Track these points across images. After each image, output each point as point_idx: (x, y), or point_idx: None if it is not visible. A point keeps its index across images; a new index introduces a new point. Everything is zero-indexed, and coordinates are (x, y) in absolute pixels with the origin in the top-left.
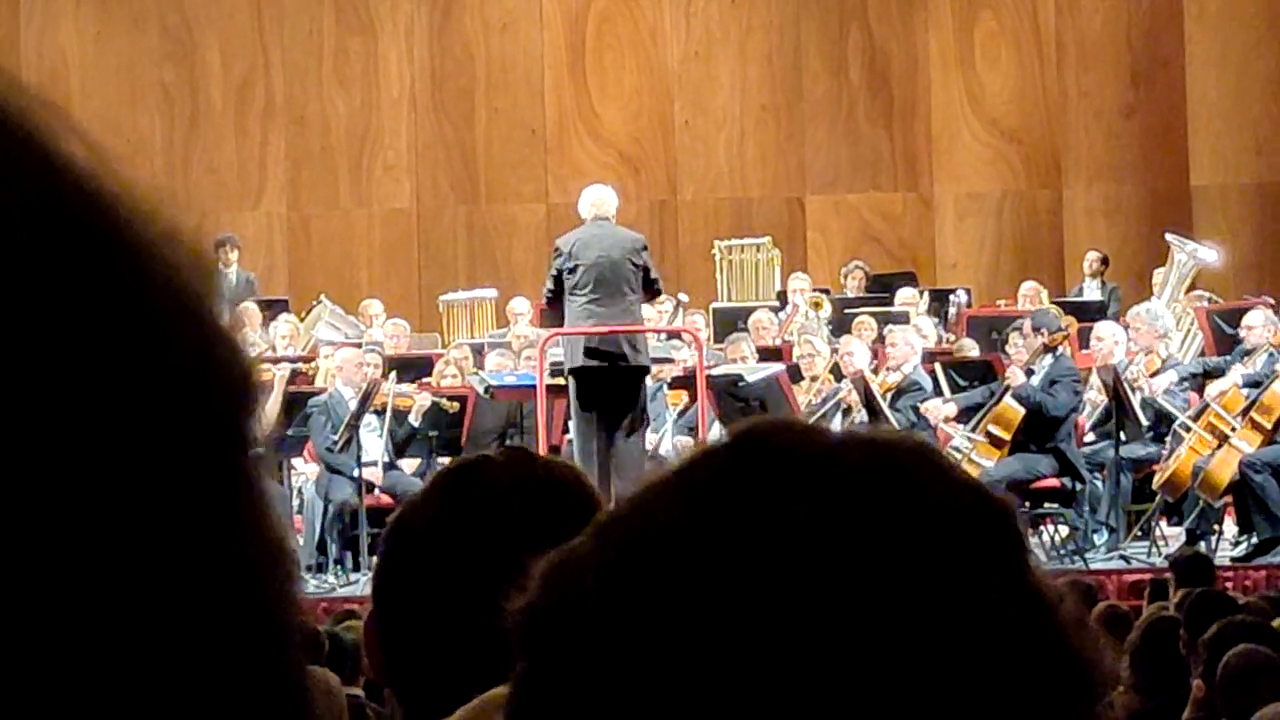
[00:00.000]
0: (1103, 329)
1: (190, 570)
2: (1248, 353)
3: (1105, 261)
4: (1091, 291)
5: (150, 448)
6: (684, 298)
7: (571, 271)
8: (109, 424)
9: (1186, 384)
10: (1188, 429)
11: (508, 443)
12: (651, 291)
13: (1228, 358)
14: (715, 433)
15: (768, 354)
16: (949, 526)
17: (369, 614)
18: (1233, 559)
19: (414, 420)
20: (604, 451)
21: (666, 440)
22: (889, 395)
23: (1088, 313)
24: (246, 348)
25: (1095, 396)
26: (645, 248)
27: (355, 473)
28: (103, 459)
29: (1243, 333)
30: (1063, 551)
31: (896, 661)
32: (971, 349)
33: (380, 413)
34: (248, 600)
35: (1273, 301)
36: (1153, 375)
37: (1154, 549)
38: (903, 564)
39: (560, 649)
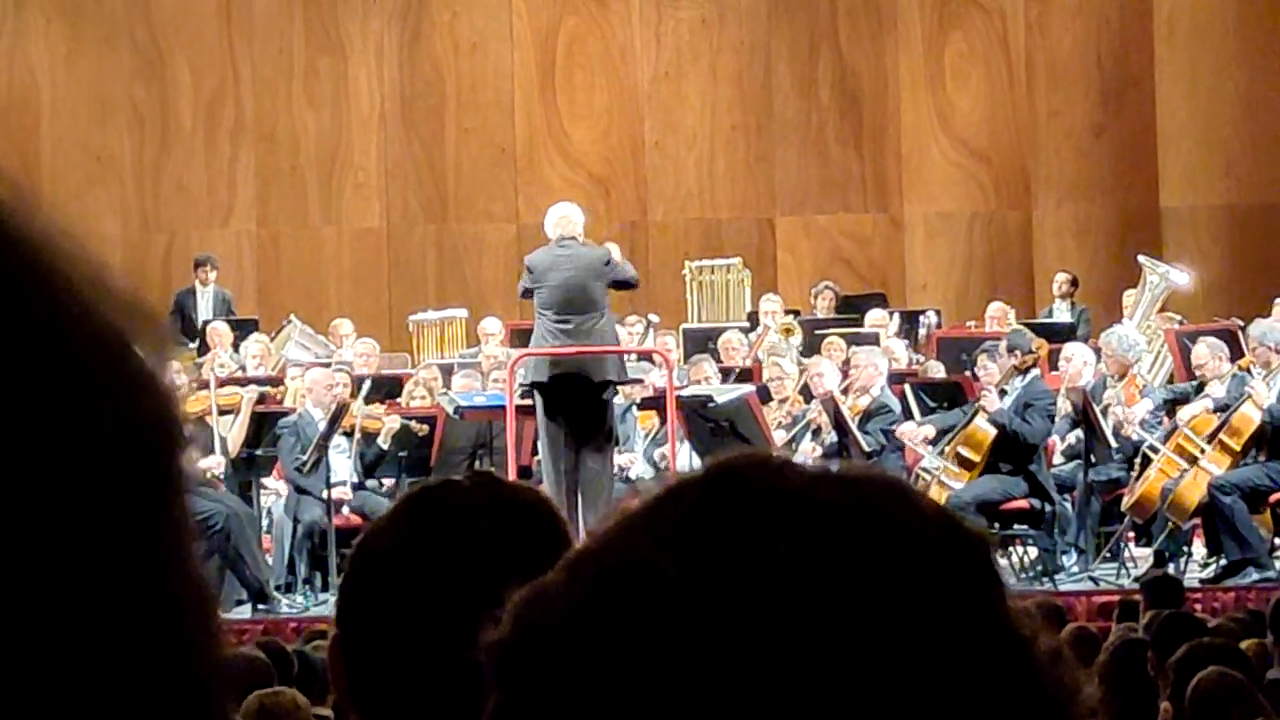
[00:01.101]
0: (1071, 350)
1: (108, 614)
2: (1202, 385)
3: (1075, 283)
4: (1061, 313)
5: (69, 490)
6: (655, 318)
7: (539, 292)
8: (26, 468)
9: (1161, 410)
10: (1156, 451)
11: (477, 464)
12: (627, 287)
13: (1193, 383)
14: (686, 453)
15: (736, 375)
16: (922, 563)
17: (333, 636)
18: (1201, 581)
19: (383, 443)
20: (571, 471)
21: (638, 463)
22: (858, 418)
23: (1058, 334)
24: (174, 389)
25: (1060, 420)
26: (608, 261)
27: (324, 493)
28: (18, 501)
29: (1196, 371)
30: (1032, 573)
31: (873, 701)
32: (937, 370)
33: (349, 434)
34: (166, 640)
35: (1241, 324)
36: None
37: (1123, 570)
38: (877, 603)
39: (532, 684)
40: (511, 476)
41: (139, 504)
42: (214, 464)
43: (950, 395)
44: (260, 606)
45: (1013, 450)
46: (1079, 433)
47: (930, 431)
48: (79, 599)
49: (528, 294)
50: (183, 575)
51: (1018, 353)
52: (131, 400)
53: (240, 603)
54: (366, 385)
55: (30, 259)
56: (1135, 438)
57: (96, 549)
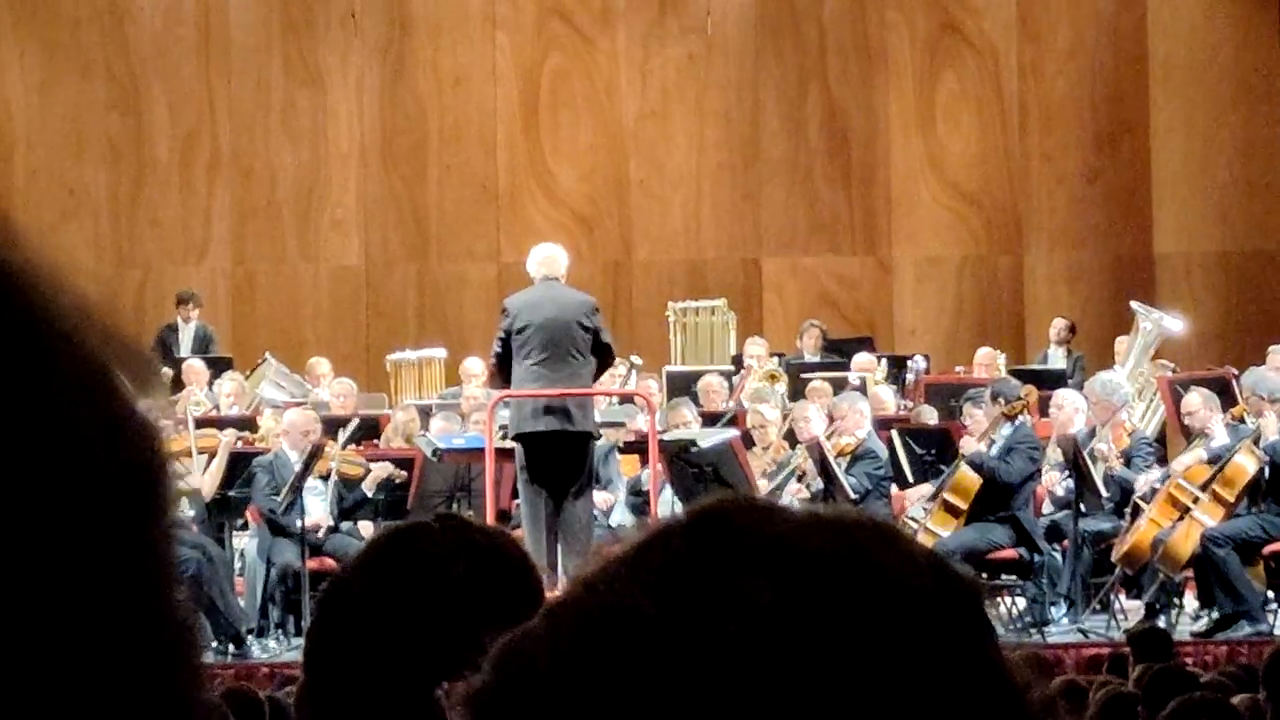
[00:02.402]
0: (1061, 397)
1: (88, 656)
2: (1195, 435)
3: (1073, 329)
4: (1057, 359)
5: (51, 527)
6: (637, 360)
7: (519, 333)
8: (5, 505)
9: (1152, 455)
10: (1148, 500)
11: (455, 506)
12: (604, 358)
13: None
14: (668, 498)
15: (716, 419)
16: (914, 611)
17: (301, 683)
18: (1193, 634)
19: (368, 489)
20: (551, 518)
21: (619, 510)
22: (845, 460)
23: (1048, 380)
24: (160, 426)
25: (1051, 470)
26: (596, 310)
27: (298, 536)
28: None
29: (1186, 419)
30: (1020, 624)
31: None
32: (930, 416)
33: (325, 477)
34: (148, 682)
35: (1235, 372)
36: (1124, 455)
37: (1113, 622)
38: (868, 651)
39: None
40: (490, 520)
41: (122, 543)
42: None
43: (938, 442)
44: (234, 651)
45: (996, 495)
46: (1069, 482)
47: (926, 490)
48: (58, 640)
49: (504, 348)
50: (165, 617)
51: (1002, 399)
52: (117, 437)
53: (211, 648)
54: (351, 428)
55: (12, 290)
56: (1117, 474)
57: (78, 588)
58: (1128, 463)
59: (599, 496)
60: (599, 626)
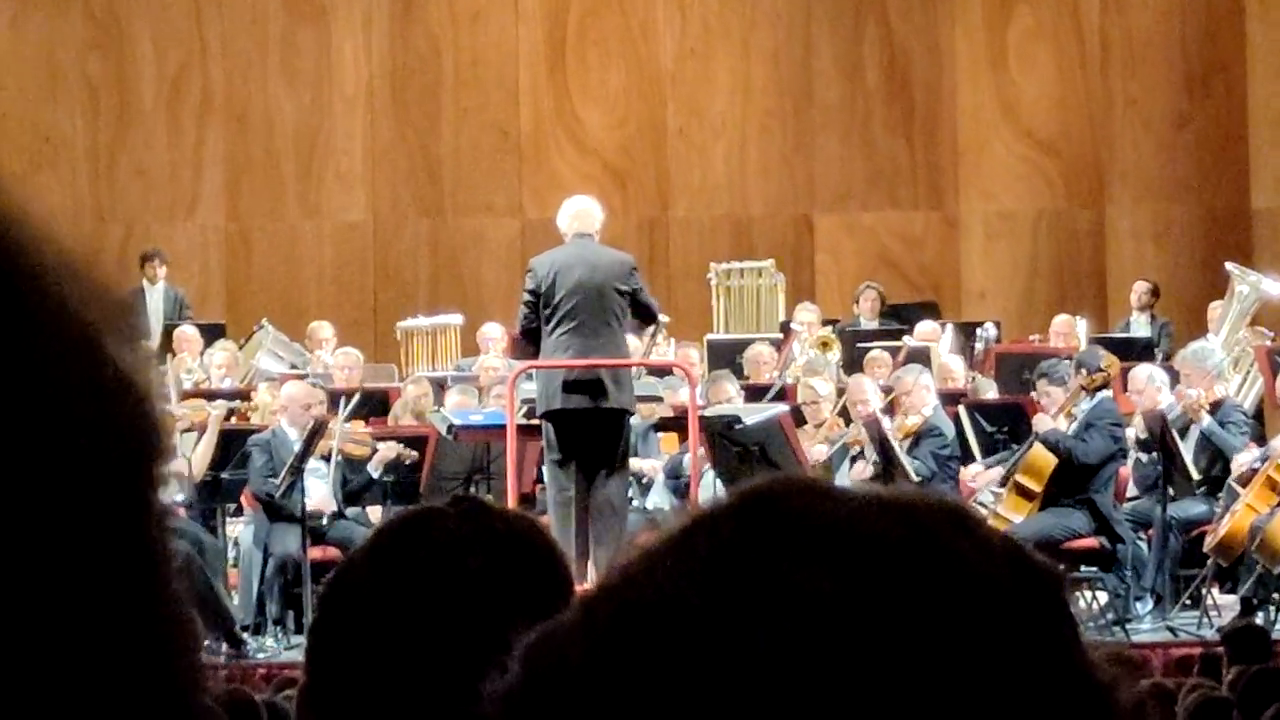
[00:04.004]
0: (1140, 374)
1: (74, 648)
2: None
3: (1156, 293)
4: (1140, 327)
5: (35, 501)
6: (664, 318)
7: (547, 298)
8: None
9: (1247, 429)
10: (1245, 484)
11: (473, 490)
12: (647, 318)
13: None
14: (709, 481)
15: (763, 393)
16: (988, 603)
17: (301, 684)
18: None
19: (373, 470)
20: (582, 501)
21: (657, 492)
22: (906, 441)
23: (1134, 351)
24: (153, 391)
25: (1133, 449)
26: (635, 270)
27: (299, 522)
28: None
29: None
30: (1101, 621)
31: None
32: (989, 389)
33: (327, 457)
34: (143, 677)
35: None
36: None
37: (1205, 619)
38: (936, 648)
39: None
40: (512, 505)
41: (113, 519)
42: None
43: (1010, 419)
44: (227, 650)
45: (1073, 477)
46: (1155, 463)
47: (997, 474)
48: (44, 634)
49: (531, 310)
50: (159, 604)
51: (1083, 371)
52: (106, 403)
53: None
54: (353, 403)
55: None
56: (1205, 428)
57: (65, 575)
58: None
59: (640, 464)
60: (639, 620)
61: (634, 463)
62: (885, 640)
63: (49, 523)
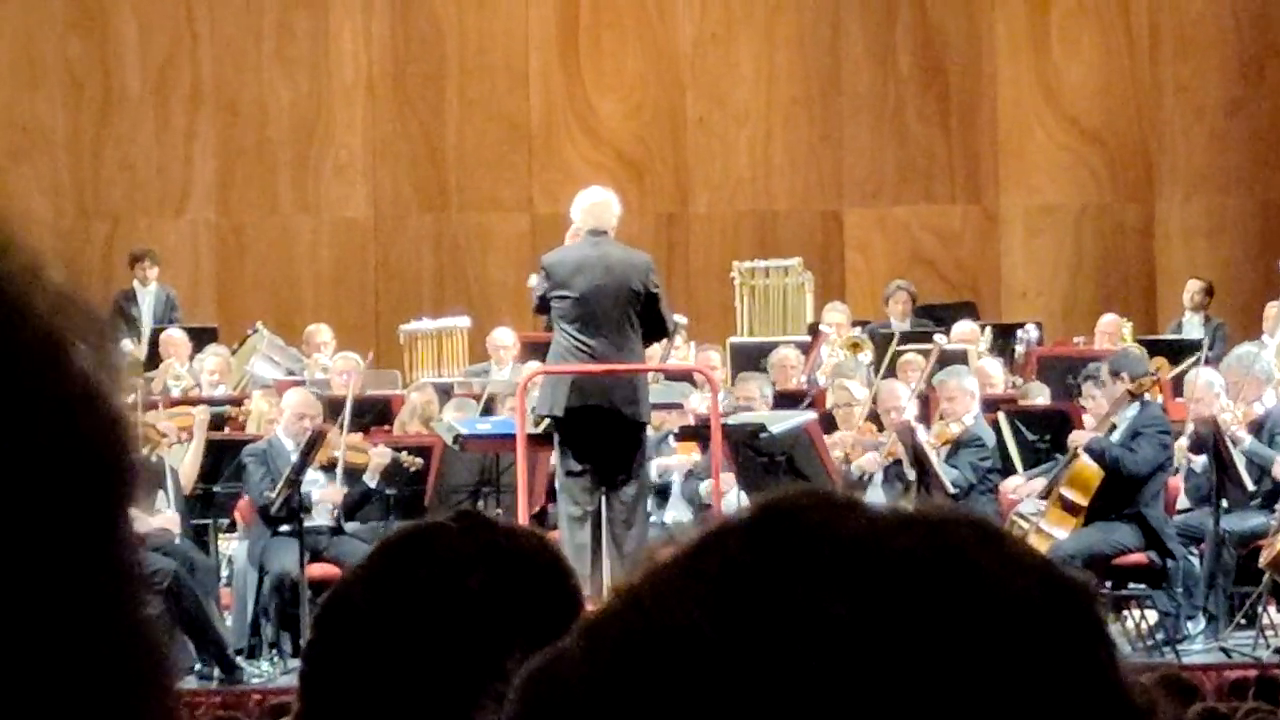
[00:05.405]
0: (1195, 376)
1: (34, 677)
2: None
3: (1209, 292)
4: (1192, 328)
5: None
6: (681, 319)
7: (559, 300)
8: None
9: None
10: None
11: (481, 504)
12: (657, 332)
13: None
14: (732, 495)
15: (791, 398)
16: (1017, 625)
17: (296, 712)
18: None
19: (369, 480)
20: (595, 515)
21: (675, 504)
22: (944, 450)
23: (1186, 354)
24: (121, 403)
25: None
26: (653, 271)
27: (296, 538)
28: None
29: None
30: (1151, 642)
31: None
32: (1038, 394)
33: (327, 469)
34: (108, 710)
35: None
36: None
37: (1261, 640)
38: (963, 671)
39: None
40: (522, 520)
41: (76, 540)
42: (169, 518)
43: (1054, 426)
44: (219, 675)
45: (1120, 489)
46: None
47: (1038, 486)
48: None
49: (543, 305)
50: (127, 631)
51: (1126, 376)
52: (71, 415)
53: (193, 671)
54: (347, 413)
55: None
56: (1248, 448)
57: (23, 600)
58: (1270, 442)
59: (664, 462)
60: (644, 648)
61: (656, 461)
62: (902, 664)
63: (4, 544)
